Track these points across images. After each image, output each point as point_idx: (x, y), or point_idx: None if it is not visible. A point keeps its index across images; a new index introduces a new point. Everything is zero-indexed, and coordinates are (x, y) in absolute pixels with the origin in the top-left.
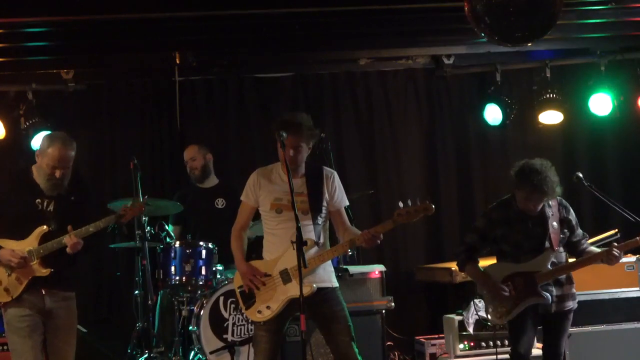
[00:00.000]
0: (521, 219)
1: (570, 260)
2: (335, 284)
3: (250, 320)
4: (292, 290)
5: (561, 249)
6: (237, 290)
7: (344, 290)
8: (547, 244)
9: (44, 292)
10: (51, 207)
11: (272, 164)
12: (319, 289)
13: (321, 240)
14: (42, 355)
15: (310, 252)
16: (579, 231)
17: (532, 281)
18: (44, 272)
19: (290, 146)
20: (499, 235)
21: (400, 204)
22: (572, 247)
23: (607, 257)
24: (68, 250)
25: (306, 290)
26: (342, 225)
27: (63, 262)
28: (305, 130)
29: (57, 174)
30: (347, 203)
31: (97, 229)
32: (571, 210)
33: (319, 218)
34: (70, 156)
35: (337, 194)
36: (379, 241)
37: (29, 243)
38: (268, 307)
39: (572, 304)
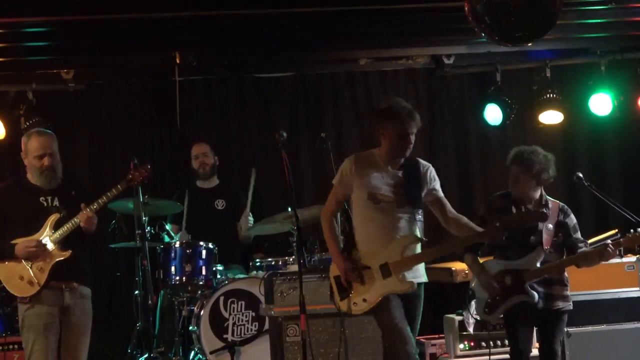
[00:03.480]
0: (511, 211)
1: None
2: (425, 278)
3: (250, 321)
4: (391, 285)
5: (552, 249)
6: (333, 280)
7: None
8: (532, 240)
9: (63, 287)
10: (56, 202)
11: (369, 150)
12: (418, 284)
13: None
14: (55, 355)
15: (415, 249)
16: (577, 235)
17: (520, 279)
18: (64, 254)
19: (403, 135)
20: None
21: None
22: (570, 251)
23: (603, 254)
24: (82, 225)
25: (406, 287)
26: (446, 214)
27: (80, 246)
28: (417, 116)
29: (46, 161)
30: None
31: (109, 200)
32: (571, 215)
33: (419, 213)
34: (51, 142)
35: (436, 183)
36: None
37: (45, 233)
38: (364, 300)
39: (562, 305)
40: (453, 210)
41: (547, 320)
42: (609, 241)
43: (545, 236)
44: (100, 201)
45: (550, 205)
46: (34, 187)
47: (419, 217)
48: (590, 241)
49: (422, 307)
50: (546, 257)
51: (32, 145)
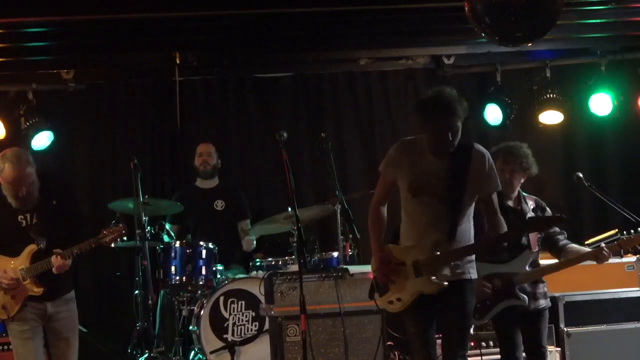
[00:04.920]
0: (501, 211)
1: (544, 260)
2: (472, 275)
3: (250, 321)
4: (422, 285)
5: (536, 247)
6: (374, 275)
7: (344, 290)
8: (523, 241)
9: (44, 300)
10: (35, 220)
11: (416, 137)
12: (455, 281)
13: (460, 231)
14: (44, 357)
15: (447, 245)
16: (555, 228)
17: (510, 283)
18: (37, 291)
19: (437, 130)
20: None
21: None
22: (550, 243)
23: (597, 257)
24: (54, 270)
25: (434, 288)
26: (490, 215)
27: (57, 278)
28: (458, 107)
29: (21, 192)
30: (499, 188)
31: (80, 251)
32: (547, 209)
33: (459, 205)
34: (26, 173)
35: (484, 177)
36: None
37: (21, 262)
38: (399, 299)
39: (544, 303)
40: (498, 214)
41: (533, 321)
42: (603, 244)
43: (531, 236)
44: (74, 250)
45: (529, 202)
46: (9, 204)
47: (460, 209)
48: (589, 241)
49: (469, 308)
50: (533, 257)
51: (6, 175)
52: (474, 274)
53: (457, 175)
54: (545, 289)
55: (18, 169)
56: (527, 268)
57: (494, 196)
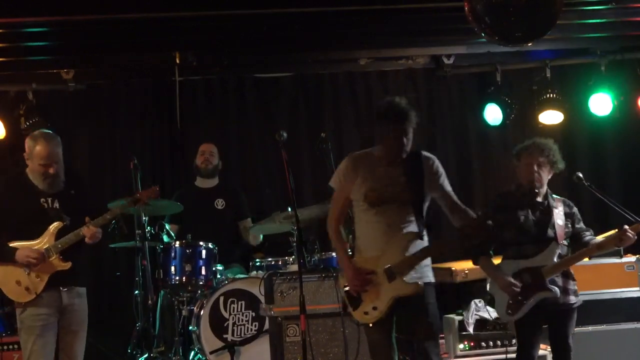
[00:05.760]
0: (526, 205)
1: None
2: (430, 279)
3: (250, 321)
4: (398, 289)
5: (565, 242)
6: (344, 291)
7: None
8: (550, 233)
9: (61, 288)
10: (56, 204)
11: (367, 149)
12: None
13: (424, 233)
14: (52, 356)
15: (416, 247)
16: (581, 225)
17: (539, 276)
18: (65, 265)
19: (394, 136)
20: (504, 221)
21: None
22: (576, 240)
23: (621, 239)
24: (87, 240)
25: (412, 289)
26: (454, 208)
27: (81, 255)
28: (412, 114)
29: (51, 170)
30: (450, 187)
31: (114, 216)
32: (574, 207)
33: (421, 206)
34: (57, 151)
35: (438, 177)
36: None
37: (46, 241)
38: (374, 308)
39: (575, 300)
40: (459, 204)
41: (562, 316)
42: (626, 226)
43: (559, 230)
44: (107, 216)
45: (555, 198)
46: (34, 187)
47: (423, 212)
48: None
49: (433, 309)
50: (562, 251)
51: (38, 152)
52: (432, 277)
53: (414, 178)
54: (576, 287)
55: (51, 145)
56: (555, 260)
57: (450, 190)
